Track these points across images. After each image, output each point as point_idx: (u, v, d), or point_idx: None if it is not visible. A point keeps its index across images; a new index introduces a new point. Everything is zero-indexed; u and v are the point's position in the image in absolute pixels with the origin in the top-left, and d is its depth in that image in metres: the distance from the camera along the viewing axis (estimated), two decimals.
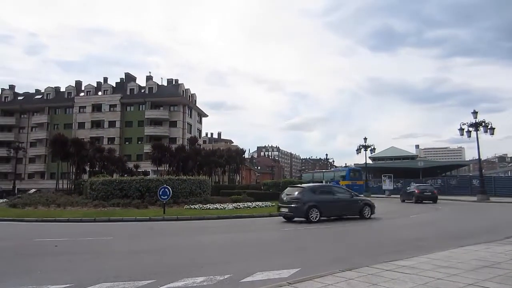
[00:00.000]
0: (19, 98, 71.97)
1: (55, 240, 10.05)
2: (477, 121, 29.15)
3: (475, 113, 29.27)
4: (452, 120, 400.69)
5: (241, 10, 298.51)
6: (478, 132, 29.14)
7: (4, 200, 27.64)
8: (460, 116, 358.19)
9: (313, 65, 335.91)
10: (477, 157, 31.36)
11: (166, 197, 17.37)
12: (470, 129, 29.37)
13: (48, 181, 60.84)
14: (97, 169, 42.45)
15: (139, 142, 63.22)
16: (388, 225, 14.03)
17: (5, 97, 71.61)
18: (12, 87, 74.40)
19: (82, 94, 68.17)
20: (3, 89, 73.02)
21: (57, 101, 68.26)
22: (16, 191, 44.06)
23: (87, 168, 43.91)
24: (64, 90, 69.59)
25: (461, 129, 29.82)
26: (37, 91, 73.27)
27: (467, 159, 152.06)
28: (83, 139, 48.37)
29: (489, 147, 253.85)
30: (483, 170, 33.44)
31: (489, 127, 28.94)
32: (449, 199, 31.57)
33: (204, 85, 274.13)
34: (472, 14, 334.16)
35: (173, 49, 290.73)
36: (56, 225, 14.86)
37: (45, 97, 69.70)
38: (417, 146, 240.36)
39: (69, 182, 41.30)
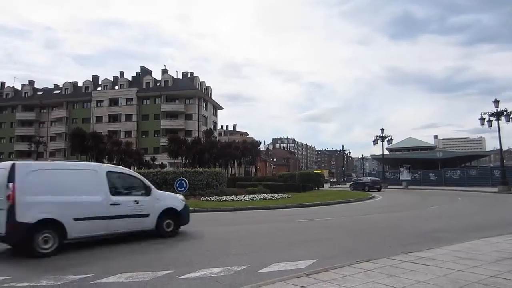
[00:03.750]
0: (38, 93, 73.51)
1: None
2: (498, 110, 28.39)
3: (496, 102, 28.52)
4: (475, 109, 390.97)
5: (256, 0, 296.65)
6: (499, 121, 28.44)
7: None
8: (484, 105, 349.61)
9: (329, 55, 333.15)
10: (498, 147, 30.64)
11: (182, 189, 17.50)
12: (491, 118, 28.66)
13: None
14: (115, 162, 43.16)
15: (156, 135, 63.92)
16: (403, 217, 13.81)
17: (25, 93, 73.26)
18: (31, 82, 76.02)
19: (99, 88, 69.18)
20: (23, 85, 74.71)
21: (75, 96, 69.52)
22: None
23: (106, 161, 44.72)
24: (81, 85, 70.74)
25: (482, 119, 29.13)
26: (56, 86, 74.68)
27: (488, 149, 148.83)
28: (101, 132, 49.14)
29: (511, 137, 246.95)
30: (504, 161, 32.65)
31: (511, 116, 28.16)
32: (469, 190, 30.96)
33: (219, 76, 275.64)
34: None
35: (188, 41, 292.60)
36: None
37: (63, 92, 71.01)
38: (435, 137, 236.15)
39: None
